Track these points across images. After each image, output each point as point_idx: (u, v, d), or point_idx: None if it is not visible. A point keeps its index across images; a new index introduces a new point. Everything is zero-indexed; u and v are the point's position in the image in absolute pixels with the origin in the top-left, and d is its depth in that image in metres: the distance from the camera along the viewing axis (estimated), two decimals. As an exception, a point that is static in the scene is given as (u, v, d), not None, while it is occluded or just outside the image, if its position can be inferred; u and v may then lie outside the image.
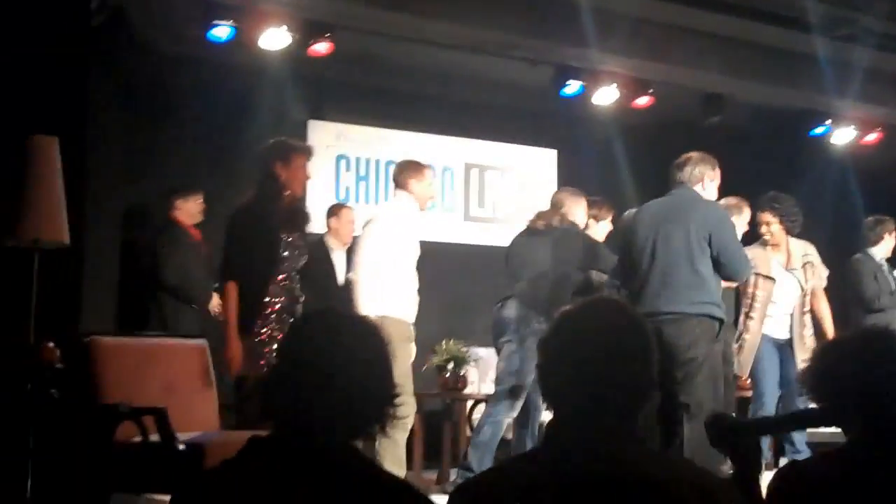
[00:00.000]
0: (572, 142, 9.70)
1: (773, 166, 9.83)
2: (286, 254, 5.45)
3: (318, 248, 7.25)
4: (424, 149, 9.42)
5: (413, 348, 6.22)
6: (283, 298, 5.37)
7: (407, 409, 5.89)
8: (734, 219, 7.10)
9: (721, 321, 5.76)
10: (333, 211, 7.87)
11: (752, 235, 7.38)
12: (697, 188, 5.90)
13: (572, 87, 8.32)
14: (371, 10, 7.38)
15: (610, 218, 7.22)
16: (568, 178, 9.63)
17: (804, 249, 7.36)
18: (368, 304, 5.89)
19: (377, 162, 9.23)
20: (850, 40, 8.08)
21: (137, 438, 4.55)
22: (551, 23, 7.73)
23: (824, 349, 2.78)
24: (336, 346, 2.16)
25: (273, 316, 5.28)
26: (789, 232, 7.26)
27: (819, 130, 9.42)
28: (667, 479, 2.08)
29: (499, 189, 9.82)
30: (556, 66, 8.30)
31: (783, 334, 7.25)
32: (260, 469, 2.08)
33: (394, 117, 9.23)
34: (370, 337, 2.22)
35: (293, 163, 5.52)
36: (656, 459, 2.19)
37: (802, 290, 7.25)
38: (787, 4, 7.56)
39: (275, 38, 7.40)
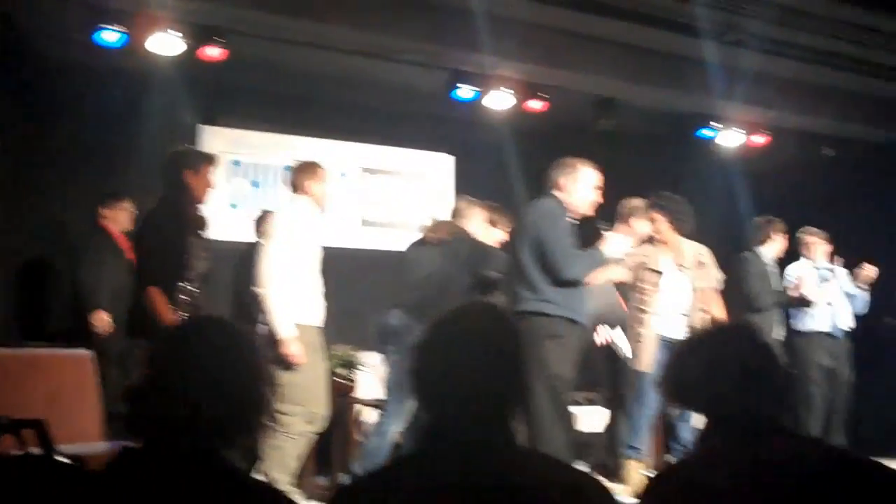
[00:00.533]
0: (468, 146, 9.76)
1: (663, 168, 10.00)
2: (193, 259, 5.47)
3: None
4: (320, 153, 9.36)
5: (323, 354, 6.21)
6: (188, 304, 5.37)
7: (294, 417, 5.89)
8: (635, 221, 7.31)
9: (567, 319, 5.89)
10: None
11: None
12: (556, 192, 6.10)
13: (466, 91, 8.37)
14: (265, 15, 7.33)
15: (505, 223, 7.28)
16: (464, 182, 9.70)
17: (698, 250, 7.38)
18: (286, 313, 5.86)
19: (272, 167, 9.17)
20: (738, 45, 8.24)
21: (17, 451, 4.45)
22: (445, 28, 7.76)
23: (677, 350, 2.81)
24: (205, 354, 2.14)
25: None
26: (679, 231, 7.33)
27: (707, 133, 9.61)
28: (541, 482, 2.11)
29: (395, 194, 9.83)
30: (450, 70, 8.34)
31: (677, 335, 7.33)
32: (127, 479, 2.05)
33: (289, 122, 9.19)
34: (240, 345, 2.21)
35: (201, 171, 5.62)
36: (531, 462, 2.21)
37: (695, 289, 7.26)
38: (676, 10, 7.68)
39: (166, 43, 7.31)
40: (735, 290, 8.35)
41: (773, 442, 2.56)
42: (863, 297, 8.79)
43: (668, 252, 7.20)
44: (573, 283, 5.99)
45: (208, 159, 5.78)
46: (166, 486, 2.03)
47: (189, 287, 5.52)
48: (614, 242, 6.23)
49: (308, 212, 6.18)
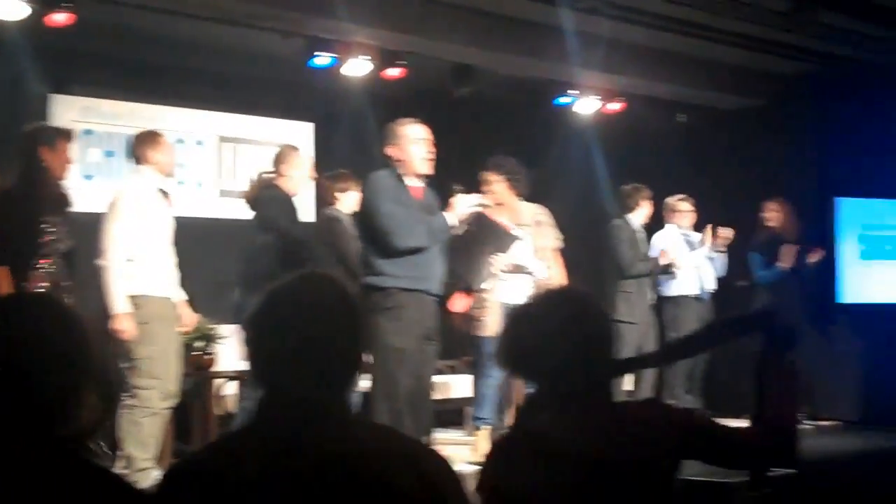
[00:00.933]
0: (327, 114, 9.71)
1: (522, 135, 10.12)
2: (50, 238, 5.35)
3: None
4: (176, 122, 9.25)
5: (177, 326, 6.16)
6: (46, 284, 5.27)
7: (152, 391, 5.82)
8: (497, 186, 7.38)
9: (405, 290, 5.89)
10: None
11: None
12: (390, 160, 6.15)
13: (323, 59, 8.31)
14: (113, -22, 7.17)
15: (358, 190, 7.23)
16: (324, 150, 9.65)
17: (535, 210, 7.37)
18: (122, 287, 5.77)
19: (127, 137, 8.96)
20: (592, 12, 8.35)
21: None
22: (300, -6, 7.69)
23: (511, 317, 2.84)
24: (23, 332, 2.10)
25: None
26: (516, 193, 7.29)
27: (564, 100, 9.74)
28: (375, 452, 2.13)
29: (254, 163, 9.71)
30: (307, 37, 8.27)
31: (519, 299, 7.21)
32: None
33: (143, 90, 9.00)
34: (61, 321, 2.16)
35: (58, 147, 5.55)
36: (366, 432, 2.23)
37: (536, 248, 7.22)
38: (531, -23, 7.76)
39: (10, 8, 7.06)
40: (586, 256, 8.54)
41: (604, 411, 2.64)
42: (721, 260, 9.09)
43: (506, 213, 7.13)
44: (409, 252, 5.90)
45: (65, 135, 5.71)
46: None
47: (46, 267, 5.40)
48: (464, 204, 6.19)
49: (152, 182, 6.10)
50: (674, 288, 9.07)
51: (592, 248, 9.50)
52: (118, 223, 5.86)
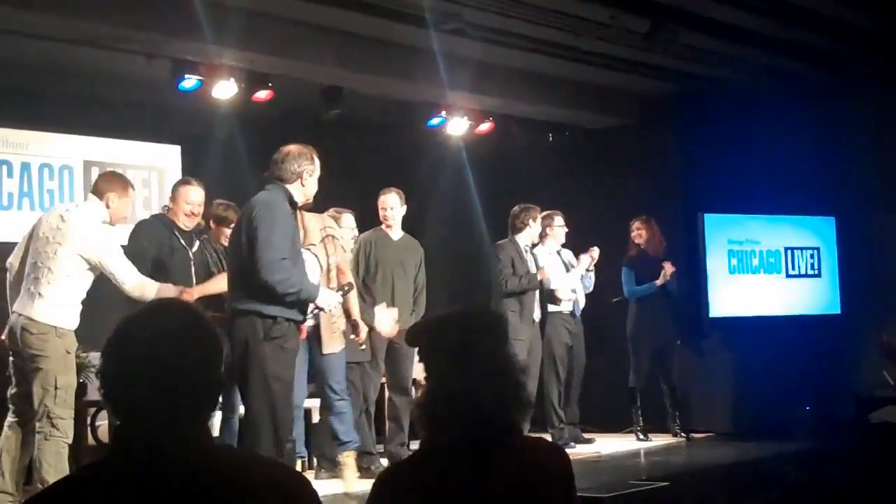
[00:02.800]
0: (195, 137, 9.56)
1: (394, 157, 10.15)
2: None
3: None
4: (41, 147, 9.03)
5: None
6: None
7: (69, 421, 5.85)
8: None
9: (287, 319, 5.83)
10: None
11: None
12: (295, 185, 6.00)
13: (190, 81, 8.20)
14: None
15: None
16: (192, 173, 9.45)
17: (322, 223, 7.10)
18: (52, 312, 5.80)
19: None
20: (460, 34, 8.40)
21: None
22: (165, 16, 7.56)
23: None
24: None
25: None
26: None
27: (435, 121, 9.78)
28: (234, 481, 2.09)
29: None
30: (173, 60, 8.15)
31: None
32: None
33: (7, 115, 8.74)
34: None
35: None
36: (226, 461, 2.18)
37: (322, 266, 6.87)
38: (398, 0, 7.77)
39: None
40: (447, 275, 8.58)
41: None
42: (590, 277, 9.23)
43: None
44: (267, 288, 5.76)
45: None
46: None
47: None
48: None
49: (99, 219, 6.14)
50: (550, 305, 9.18)
51: (465, 267, 9.55)
52: (67, 250, 5.95)
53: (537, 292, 8.86)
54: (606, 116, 10.69)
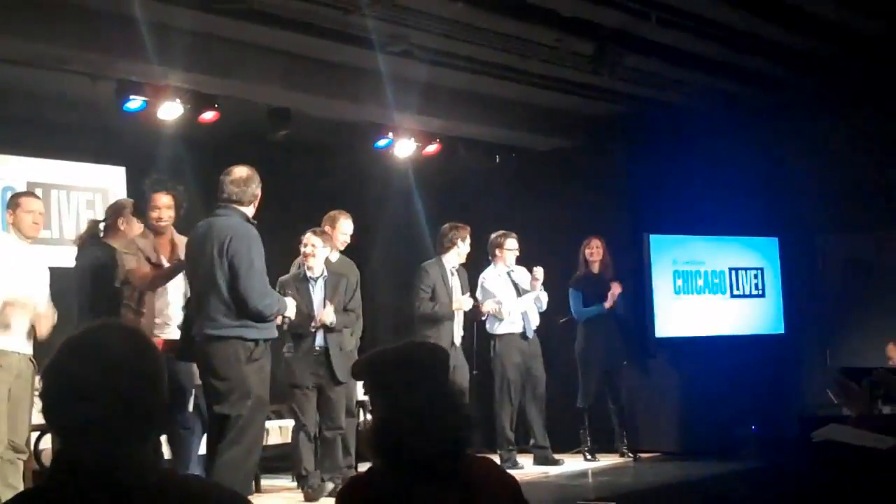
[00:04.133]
0: (141, 158, 9.46)
1: (341, 178, 10.14)
2: None
3: None
4: (-18, 169, 8.92)
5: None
6: None
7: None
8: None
9: (266, 340, 6.00)
10: None
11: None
12: (250, 207, 6.11)
13: (135, 102, 8.14)
14: None
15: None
16: (137, 194, 9.39)
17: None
18: None
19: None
20: (407, 56, 8.43)
21: None
22: (109, 37, 7.50)
23: None
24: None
25: None
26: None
27: (383, 143, 9.78)
28: (182, 499, 2.07)
29: (65, 209, 9.43)
30: (118, 81, 8.08)
31: None
32: None
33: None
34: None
35: None
36: (174, 483, 2.16)
37: None
38: (343, 21, 7.75)
39: None
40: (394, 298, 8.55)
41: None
42: (544, 297, 9.24)
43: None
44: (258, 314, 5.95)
45: None
46: None
47: None
48: None
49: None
50: (500, 326, 9.18)
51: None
52: None
53: (459, 314, 8.85)
54: (553, 138, 10.76)
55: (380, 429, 2.73)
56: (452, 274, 8.90)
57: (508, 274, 9.29)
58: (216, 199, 6.20)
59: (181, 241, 6.69)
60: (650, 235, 9.94)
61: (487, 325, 9.27)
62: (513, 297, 9.19)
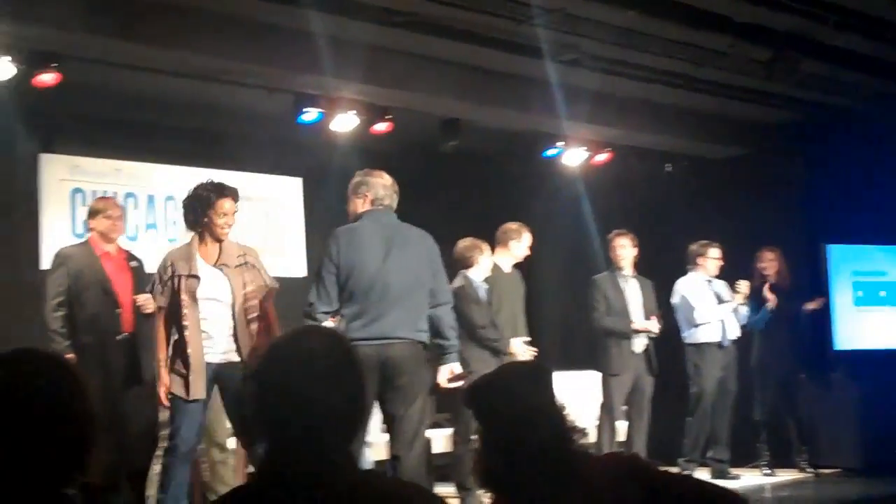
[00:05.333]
0: (316, 169, 9.70)
1: (509, 188, 10.15)
2: None
3: None
4: (164, 180, 9.25)
5: None
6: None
7: None
8: (514, 243, 7.90)
9: (423, 343, 5.98)
10: None
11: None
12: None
13: (310, 114, 8.33)
14: (99, 39, 7.14)
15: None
16: (313, 205, 9.64)
17: (242, 251, 6.41)
18: None
19: (115, 195, 8.94)
20: (577, 65, 8.39)
21: None
22: (286, 51, 7.69)
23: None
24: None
25: None
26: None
27: (552, 152, 9.75)
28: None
29: (244, 219, 9.66)
30: (294, 93, 8.29)
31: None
32: None
33: (131, 149, 9.00)
34: (68, 377, 2.16)
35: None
36: (378, 485, 2.19)
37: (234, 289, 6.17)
38: (515, 31, 7.76)
39: None
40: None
41: None
42: (743, 310, 9.07)
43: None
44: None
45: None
46: None
47: None
48: None
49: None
50: (697, 335, 9.03)
51: (581, 300, 9.42)
52: None
53: (639, 320, 8.69)
54: (726, 146, 10.54)
55: (485, 458, 2.71)
56: (626, 280, 8.77)
57: (708, 282, 9.13)
58: (372, 204, 6.15)
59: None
60: (829, 245, 9.65)
61: (683, 334, 9.10)
62: (713, 304, 9.02)
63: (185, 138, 9.08)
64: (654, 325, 8.62)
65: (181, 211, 6.24)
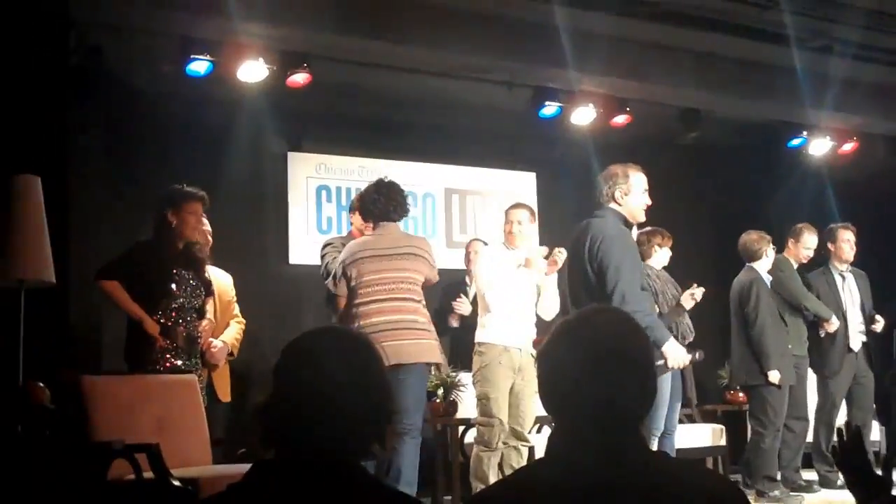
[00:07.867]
0: (550, 163, 9.71)
1: (751, 179, 9.89)
2: (176, 291, 5.69)
3: None
4: (404, 176, 9.37)
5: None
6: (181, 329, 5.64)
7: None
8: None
9: None
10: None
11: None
12: (612, 206, 5.62)
13: (550, 108, 8.37)
14: (347, 39, 7.39)
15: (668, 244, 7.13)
16: (547, 199, 9.64)
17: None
18: None
19: (359, 191, 9.19)
20: (825, 51, 8.14)
21: (131, 476, 4.51)
22: (528, 45, 7.75)
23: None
24: (327, 365, 2.15)
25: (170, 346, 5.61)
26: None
27: (796, 142, 9.48)
28: (680, 485, 2.08)
29: (480, 214, 9.81)
30: (534, 88, 8.33)
31: None
32: (267, 491, 2.07)
33: (373, 146, 9.21)
34: (359, 354, 2.21)
35: (183, 210, 5.78)
36: (665, 465, 2.18)
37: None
38: (760, 18, 7.60)
39: (252, 71, 7.41)
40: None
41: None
42: None
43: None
44: None
45: (192, 197, 5.83)
46: (312, 497, 2.03)
47: (179, 314, 5.70)
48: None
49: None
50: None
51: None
52: None
53: (856, 317, 8.19)
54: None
55: None
56: (843, 279, 8.31)
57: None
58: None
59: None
60: None
61: None
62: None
63: (425, 134, 9.23)
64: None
65: (371, 204, 6.44)
